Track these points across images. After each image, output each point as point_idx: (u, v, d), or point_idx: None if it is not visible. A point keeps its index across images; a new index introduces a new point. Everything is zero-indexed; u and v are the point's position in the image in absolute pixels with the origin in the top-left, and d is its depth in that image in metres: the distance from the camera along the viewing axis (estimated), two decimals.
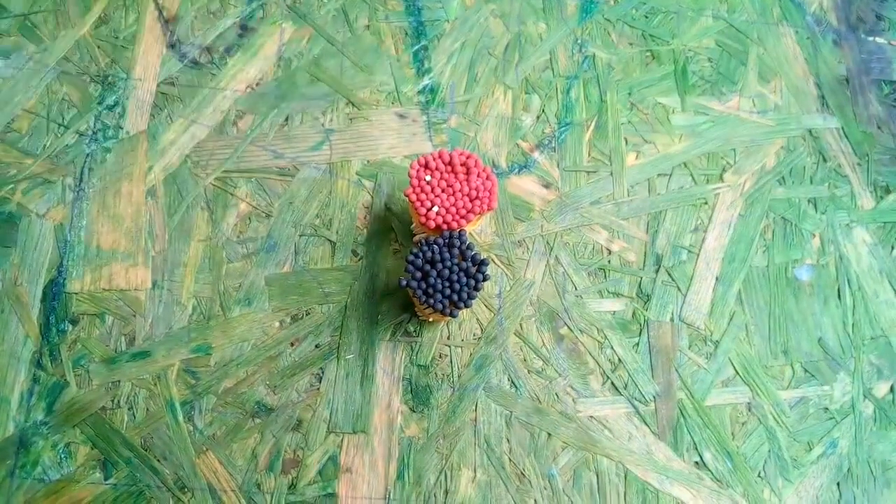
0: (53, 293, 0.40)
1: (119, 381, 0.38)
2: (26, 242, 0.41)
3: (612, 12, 0.48)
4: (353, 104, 0.45)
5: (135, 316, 0.40)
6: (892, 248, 0.43)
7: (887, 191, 0.44)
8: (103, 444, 0.37)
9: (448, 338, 0.40)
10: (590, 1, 0.48)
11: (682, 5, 0.48)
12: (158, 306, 0.40)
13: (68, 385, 0.38)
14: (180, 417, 0.38)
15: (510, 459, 0.38)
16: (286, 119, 0.44)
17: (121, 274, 0.40)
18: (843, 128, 0.46)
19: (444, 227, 0.36)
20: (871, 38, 0.49)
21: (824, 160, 0.45)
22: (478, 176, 0.37)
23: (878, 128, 0.46)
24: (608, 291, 0.41)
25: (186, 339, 0.39)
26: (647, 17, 0.48)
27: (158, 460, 0.37)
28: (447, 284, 0.34)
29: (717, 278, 0.42)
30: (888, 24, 0.49)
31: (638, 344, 0.41)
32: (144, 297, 0.40)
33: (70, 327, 0.39)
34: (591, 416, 0.39)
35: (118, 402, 0.38)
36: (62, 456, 0.37)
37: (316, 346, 0.40)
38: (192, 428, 0.38)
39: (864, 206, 0.44)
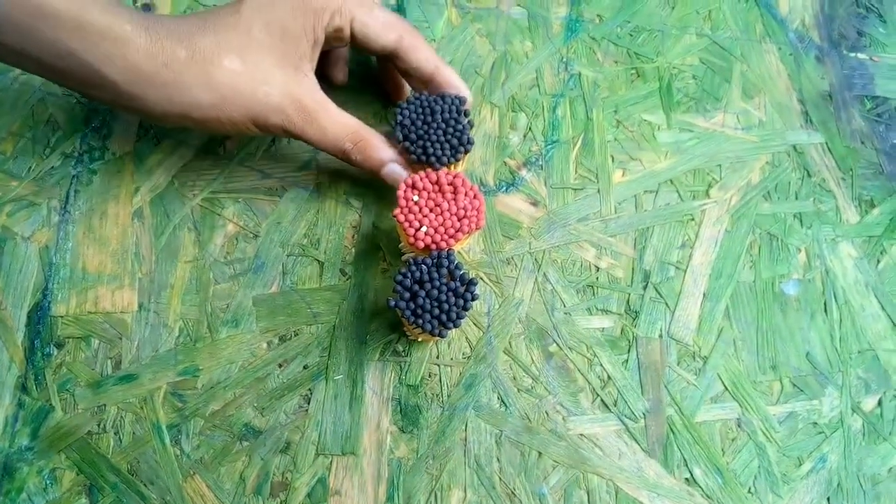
0: (38, 317, 0.39)
1: (105, 406, 0.38)
2: (11, 265, 0.40)
3: (597, 31, 0.48)
4: None
5: (121, 339, 0.39)
6: (878, 261, 0.43)
7: (872, 205, 0.45)
8: (89, 470, 0.37)
9: (437, 357, 0.40)
10: (575, 20, 0.48)
11: (666, 23, 0.49)
12: (145, 329, 0.40)
13: (53, 410, 0.38)
14: (167, 441, 0.38)
15: (500, 479, 0.38)
16: (273, 139, 0.44)
17: (107, 296, 0.40)
18: (827, 143, 0.46)
19: (433, 247, 0.36)
20: (853, 55, 0.49)
21: (809, 175, 0.45)
22: (465, 195, 0.37)
23: (862, 143, 0.47)
24: (597, 308, 0.41)
25: (173, 361, 0.39)
26: (631, 36, 0.48)
27: (145, 485, 0.37)
28: (436, 305, 0.34)
29: (704, 294, 0.42)
30: (870, 41, 0.50)
31: (627, 361, 0.41)
32: (131, 320, 0.40)
33: (55, 351, 0.39)
34: (582, 434, 0.39)
35: (104, 426, 0.38)
36: (47, 482, 0.37)
37: (304, 367, 0.39)
38: (179, 452, 0.38)
39: (849, 221, 0.44)
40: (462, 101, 0.39)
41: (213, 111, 0.35)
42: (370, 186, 0.43)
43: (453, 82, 0.40)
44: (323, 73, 0.42)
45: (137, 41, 0.33)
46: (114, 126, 0.44)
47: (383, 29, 0.39)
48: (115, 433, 0.38)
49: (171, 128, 0.44)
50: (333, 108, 0.38)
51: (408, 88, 0.44)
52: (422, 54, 0.39)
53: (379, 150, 0.39)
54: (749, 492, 0.38)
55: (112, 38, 0.33)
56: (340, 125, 0.38)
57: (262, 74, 0.36)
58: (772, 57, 0.48)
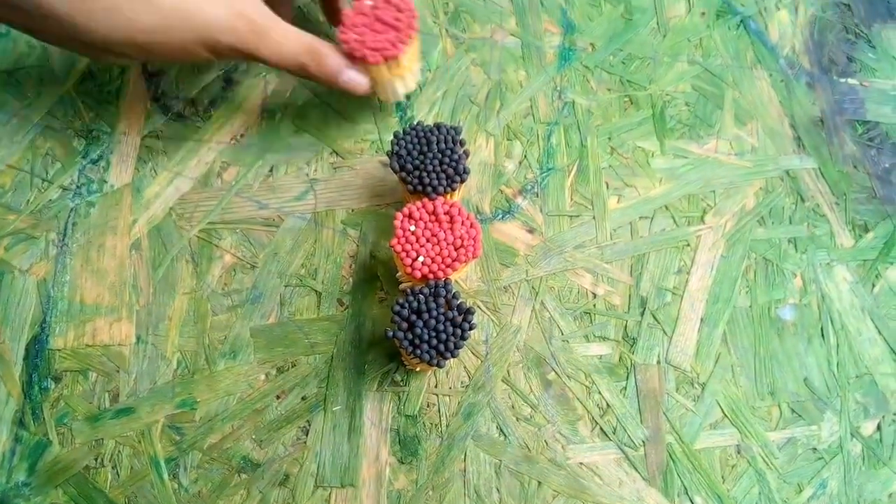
0: (36, 350, 0.39)
1: (102, 439, 0.38)
2: (9, 299, 0.40)
3: (590, 59, 0.49)
4: (337, 153, 0.45)
5: (118, 372, 0.39)
6: (873, 286, 0.44)
7: (866, 229, 0.45)
8: None
9: (435, 386, 0.40)
10: (568, 49, 0.49)
11: (658, 51, 0.49)
12: (143, 361, 0.40)
13: (51, 444, 0.38)
14: (165, 475, 0.37)
15: None
16: (271, 169, 0.45)
17: (104, 329, 0.40)
18: (819, 168, 0.47)
19: (430, 276, 0.36)
20: (843, 80, 0.50)
21: (802, 200, 0.46)
22: (462, 224, 0.37)
23: (854, 167, 0.47)
24: (594, 335, 0.42)
25: (171, 394, 0.39)
26: (624, 64, 0.49)
27: None
28: (433, 335, 0.34)
29: (701, 319, 0.42)
30: (860, 66, 0.50)
31: (625, 388, 0.41)
32: (128, 353, 0.40)
33: (53, 385, 0.39)
34: (581, 463, 0.39)
35: (102, 460, 0.38)
36: None
37: (302, 399, 0.39)
38: (177, 485, 0.37)
39: (843, 245, 0.45)
40: (458, 130, 0.39)
41: (160, 35, 0.35)
42: (367, 216, 0.43)
43: None
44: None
45: None
46: (111, 158, 0.44)
47: None
48: (112, 467, 0.37)
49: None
50: (284, 23, 0.38)
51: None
52: None
53: (335, 60, 0.39)
54: None
55: None
56: (295, 40, 0.38)
57: None
58: (763, 83, 0.49)
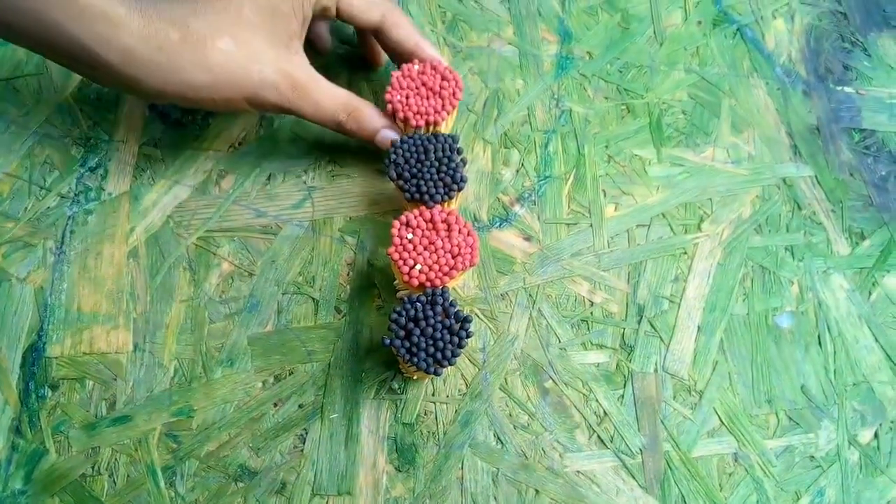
0: (33, 358, 0.39)
1: (99, 448, 0.38)
2: (6, 307, 0.40)
3: (587, 68, 0.49)
4: (334, 161, 0.45)
5: (115, 380, 0.39)
6: (870, 293, 0.44)
7: (862, 237, 0.45)
8: None
9: (433, 394, 0.40)
10: (565, 57, 0.49)
11: (655, 60, 0.49)
12: (140, 369, 0.40)
13: (47, 452, 0.38)
14: (162, 483, 0.37)
15: None
16: (268, 177, 0.45)
17: (102, 337, 0.40)
18: (816, 176, 0.47)
19: (428, 284, 0.36)
20: (839, 88, 0.50)
21: (799, 208, 0.46)
22: (459, 232, 0.37)
23: (851, 175, 0.47)
24: (591, 343, 0.42)
25: (168, 402, 0.39)
26: (621, 72, 0.49)
27: None
28: (431, 343, 0.34)
29: (698, 327, 0.42)
30: (856, 74, 0.50)
31: (623, 396, 0.41)
32: (125, 360, 0.40)
33: (50, 393, 0.39)
34: (579, 471, 0.39)
35: (98, 468, 0.37)
36: None
37: (299, 407, 0.39)
38: (174, 494, 0.37)
39: (840, 253, 0.45)
40: (455, 139, 0.39)
41: (208, 91, 0.37)
42: (365, 224, 0.43)
43: (433, 57, 0.42)
44: (307, 42, 0.44)
45: (131, 25, 0.34)
46: (109, 166, 0.44)
47: (367, 6, 0.41)
48: (109, 475, 0.37)
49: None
50: (325, 81, 0.40)
51: (384, 57, 0.47)
52: (403, 31, 0.42)
53: (372, 118, 0.41)
54: None
55: (106, 20, 0.34)
56: (333, 97, 0.40)
57: (255, 54, 0.37)
58: (759, 92, 0.49)
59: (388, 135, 0.41)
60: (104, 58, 0.34)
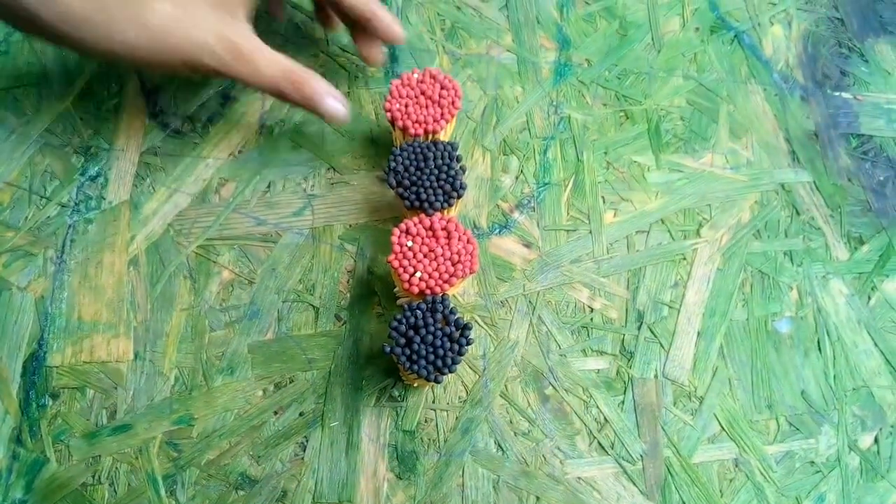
0: (34, 367, 0.39)
1: (100, 456, 0.38)
2: (7, 316, 0.40)
3: (585, 74, 0.49)
4: (334, 169, 0.45)
5: (116, 388, 0.39)
6: (869, 298, 0.44)
7: (861, 242, 0.45)
8: None
9: (433, 402, 0.40)
10: (563, 64, 0.49)
11: (653, 66, 0.50)
12: (140, 378, 0.40)
13: (48, 461, 0.38)
14: (162, 492, 0.37)
15: None
16: (268, 185, 0.45)
17: (102, 346, 0.40)
18: (814, 181, 0.47)
19: (428, 292, 0.36)
20: (837, 94, 0.50)
21: (798, 213, 0.46)
22: (459, 240, 0.37)
23: (849, 180, 0.47)
24: (592, 350, 0.42)
25: (168, 410, 0.39)
26: (619, 79, 0.49)
27: None
28: (431, 350, 0.34)
29: (698, 333, 0.42)
30: (853, 80, 0.51)
31: (623, 402, 0.41)
32: (126, 369, 0.40)
33: (50, 402, 0.39)
34: (579, 478, 0.39)
35: (99, 477, 0.37)
36: None
37: (300, 414, 0.39)
38: (174, 502, 0.37)
39: (838, 258, 0.45)
40: (454, 146, 0.40)
41: (145, 52, 0.36)
42: (365, 232, 0.44)
43: (389, 26, 0.42)
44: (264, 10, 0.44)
45: None
46: (109, 175, 0.44)
47: None
48: (109, 484, 0.37)
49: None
50: (268, 49, 0.39)
51: (339, 24, 0.47)
52: None
53: (312, 86, 0.40)
54: None
55: None
56: (274, 64, 0.39)
57: (193, 17, 0.37)
58: (757, 97, 0.49)
59: (332, 104, 0.40)
60: (46, 18, 0.34)
